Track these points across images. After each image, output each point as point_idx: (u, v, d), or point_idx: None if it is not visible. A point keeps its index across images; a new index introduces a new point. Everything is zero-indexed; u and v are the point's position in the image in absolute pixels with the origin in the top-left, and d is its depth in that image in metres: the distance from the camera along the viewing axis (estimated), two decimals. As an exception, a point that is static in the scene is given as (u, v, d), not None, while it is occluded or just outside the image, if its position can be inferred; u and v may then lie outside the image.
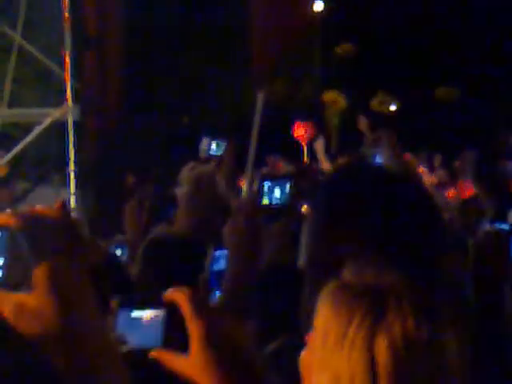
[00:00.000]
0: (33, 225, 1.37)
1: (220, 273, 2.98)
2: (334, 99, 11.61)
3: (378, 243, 2.17)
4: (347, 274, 1.87)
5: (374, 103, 18.41)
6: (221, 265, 3.13)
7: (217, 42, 18.59)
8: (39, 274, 1.35)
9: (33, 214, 1.42)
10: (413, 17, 22.13)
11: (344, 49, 21.58)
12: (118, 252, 4.86)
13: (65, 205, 1.40)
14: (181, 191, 4.97)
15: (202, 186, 4.77)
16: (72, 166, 10.74)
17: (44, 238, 1.37)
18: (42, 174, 13.05)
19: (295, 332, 2.37)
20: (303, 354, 1.73)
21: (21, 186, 12.08)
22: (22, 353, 1.61)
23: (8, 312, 1.37)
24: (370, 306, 1.66)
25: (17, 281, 1.35)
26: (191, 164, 5.46)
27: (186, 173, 5.12)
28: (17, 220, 1.37)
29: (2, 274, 1.34)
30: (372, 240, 2.17)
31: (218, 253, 3.16)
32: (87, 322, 1.40)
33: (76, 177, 10.72)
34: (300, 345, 2.23)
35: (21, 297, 1.36)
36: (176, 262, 3.34)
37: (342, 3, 20.01)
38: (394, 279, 1.81)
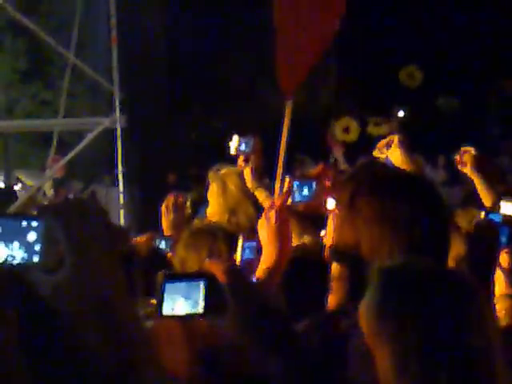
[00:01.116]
0: (67, 213, 1.38)
1: (247, 261, 2.98)
2: (346, 125, 11.35)
3: (399, 229, 2.19)
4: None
5: (402, 75, 18.00)
6: (248, 255, 3.14)
7: (248, 55, 18.62)
8: (73, 259, 1.35)
9: (66, 203, 1.42)
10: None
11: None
12: (162, 244, 4.85)
13: (94, 195, 1.40)
14: (210, 189, 4.97)
15: (228, 186, 4.78)
16: (120, 168, 10.81)
17: (77, 226, 1.37)
18: (94, 175, 13.12)
19: (320, 313, 2.37)
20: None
21: (76, 185, 12.15)
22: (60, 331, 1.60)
23: (48, 293, 1.37)
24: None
25: (52, 265, 1.36)
26: (218, 165, 5.44)
27: (213, 173, 5.11)
28: (50, 208, 1.37)
29: (39, 259, 1.36)
30: (392, 227, 2.20)
31: (246, 244, 3.17)
32: (117, 301, 1.40)
33: (124, 177, 10.80)
34: (325, 324, 2.23)
35: (57, 278, 1.36)
36: (213, 250, 3.35)
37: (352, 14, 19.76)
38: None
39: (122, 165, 10.86)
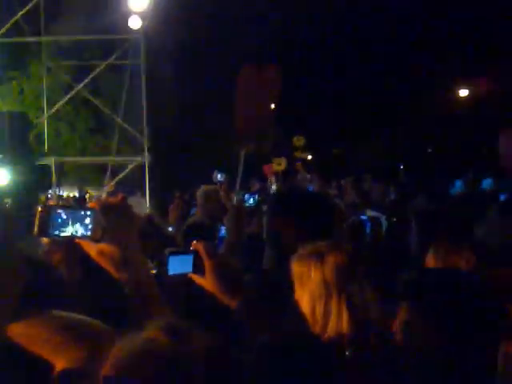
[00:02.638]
0: (106, 207, 1.39)
1: (222, 238, 2.98)
2: (280, 162, 11.27)
3: (304, 223, 2.20)
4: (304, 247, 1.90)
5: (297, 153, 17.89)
6: (222, 233, 3.12)
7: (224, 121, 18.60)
8: (109, 232, 1.36)
9: (106, 201, 1.42)
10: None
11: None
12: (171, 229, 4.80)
13: (124, 197, 1.41)
14: (198, 200, 4.96)
15: (208, 197, 4.77)
16: (147, 186, 10.79)
17: (112, 214, 1.38)
18: (131, 190, 13.00)
19: (261, 270, 2.38)
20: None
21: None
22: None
23: (93, 255, 1.38)
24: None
25: (98, 237, 1.39)
26: (203, 186, 5.44)
27: (200, 190, 5.11)
28: (98, 204, 1.38)
29: (91, 234, 1.38)
30: (301, 227, 2.21)
31: (222, 228, 3.15)
32: (137, 259, 1.38)
33: (149, 192, 10.77)
34: (262, 277, 2.22)
35: (100, 246, 1.36)
36: (202, 236, 3.32)
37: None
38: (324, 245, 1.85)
39: (148, 185, 10.83)
